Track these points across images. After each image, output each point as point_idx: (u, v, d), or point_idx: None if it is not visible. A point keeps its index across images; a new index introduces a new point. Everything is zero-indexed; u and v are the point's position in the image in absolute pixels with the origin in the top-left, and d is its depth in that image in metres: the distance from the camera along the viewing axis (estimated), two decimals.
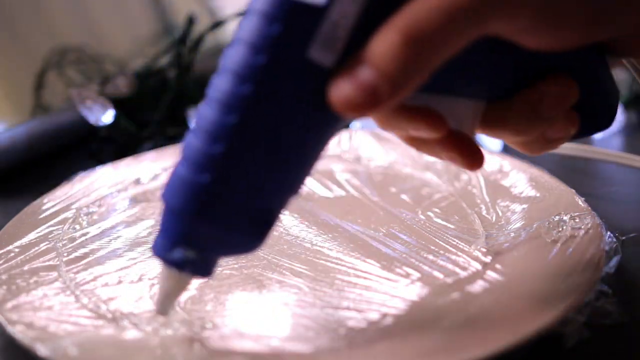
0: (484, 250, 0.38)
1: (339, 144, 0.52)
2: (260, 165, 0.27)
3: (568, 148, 0.49)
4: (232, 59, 0.27)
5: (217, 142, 0.27)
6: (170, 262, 0.29)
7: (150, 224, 0.43)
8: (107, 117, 0.55)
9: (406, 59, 0.25)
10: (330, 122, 0.28)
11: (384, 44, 0.25)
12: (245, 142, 0.26)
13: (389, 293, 0.35)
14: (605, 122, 0.32)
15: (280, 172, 0.28)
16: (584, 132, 0.32)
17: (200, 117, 0.27)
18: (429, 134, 0.30)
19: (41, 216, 0.43)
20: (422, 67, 0.25)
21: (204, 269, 0.29)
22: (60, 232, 0.42)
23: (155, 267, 0.38)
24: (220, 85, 0.27)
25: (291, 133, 0.27)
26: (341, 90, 0.25)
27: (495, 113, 0.31)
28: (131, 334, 0.32)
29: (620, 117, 0.57)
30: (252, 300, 0.35)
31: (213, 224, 0.28)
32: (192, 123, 0.27)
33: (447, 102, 0.30)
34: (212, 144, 0.27)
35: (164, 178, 0.49)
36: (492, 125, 0.31)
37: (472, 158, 0.31)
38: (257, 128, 0.26)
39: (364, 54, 0.25)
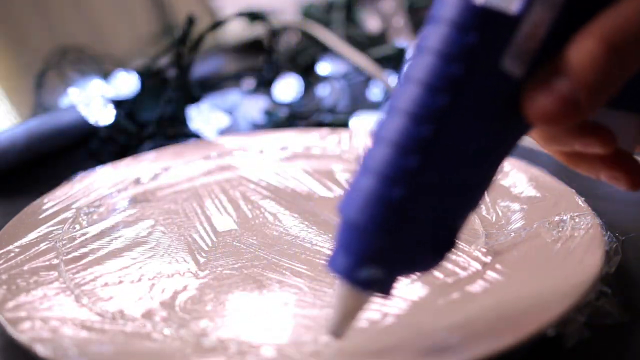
0: (484, 250, 0.38)
1: (339, 144, 0.52)
2: (451, 178, 0.26)
3: None
4: (422, 70, 0.26)
5: (411, 155, 0.26)
6: (355, 281, 0.28)
7: (150, 224, 0.43)
8: (107, 117, 0.55)
9: (607, 68, 0.24)
10: (516, 133, 0.27)
11: (583, 52, 0.24)
12: (439, 154, 0.26)
13: None
14: None
15: (469, 186, 0.27)
16: None
17: (386, 128, 0.26)
18: (599, 150, 0.29)
19: (41, 216, 0.43)
20: (621, 77, 0.25)
21: (387, 287, 0.28)
22: (60, 232, 0.42)
23: (155, 267, 0.38)
24: (409, 96, 0.26)
25: (480, 145, 0.26)
26: (538, 102, 0.25)
27: None
28: (131, 333, 0.32)
29: None
30: (252, 300, 0.35)
31: (403, 242, 0.27)
32: (372, 134, 0.27)
33: (611, 116, 0.29)
34: (405, 157, 0.26)
35: (164, 178, 0.49)
36: None
37: (637, 177, 0.29)
38: (450, 140, 0.26)
39: (560, 63, 0.25)
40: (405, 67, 0.26)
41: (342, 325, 0.29)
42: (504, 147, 0.27)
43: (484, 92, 0.25)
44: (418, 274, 0.30)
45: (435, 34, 0.25)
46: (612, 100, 0.26)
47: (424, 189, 0.26)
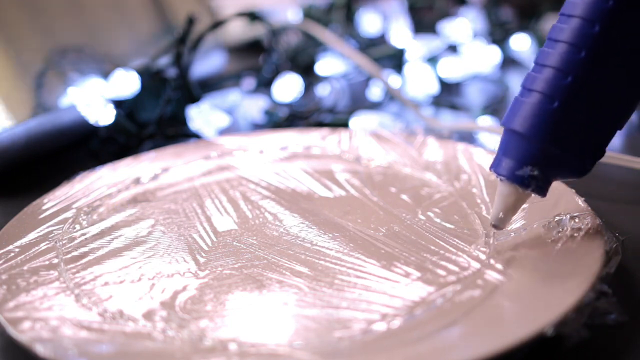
0: (484, 250, 0.38)
1: (339, 144, 0.52)
2: (601, 98, 0.34)
3: None
4: (582, 3, 0.33)
5: (567, 75, 0.33)
6: (517, 180, 0.35)
7: (150, 224, 0.43)
8: (107, 117, 0.55)
9: None
10: None
11: None
12: (591, 75, 0.33)
13: (389, 293, 0.35)
14: None
15: (616, 103, 0.34)
16: None
17: (546, 55, 0.34)
18: None
19: (41, 216, 0.43)
20: None
21: (543, 188, 0.36)
22: (60, 231, 0.42)
23: (155, 266, 0.38)
24: (568, 27, 0.33)
25: (631, 65, 0.33)
26: None
27: None
28: (131, 333, 0.32)
29: None
30: (252, 300, 0.35)
31: (559, 146, 0.34)
32: (535, 57, 0.35)
33: None
34: (562, 78, 0.33)
35: (164, 178, 0.49)
36: None
37: None
38: (603, 64, 0.33)
39: None
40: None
41: (504, 218, 0.37)
42: None
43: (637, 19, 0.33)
44: (571, 178, 0.36)
45: None
46: None
47: (577, 105, 0.34)
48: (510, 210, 0.36)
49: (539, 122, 0.34)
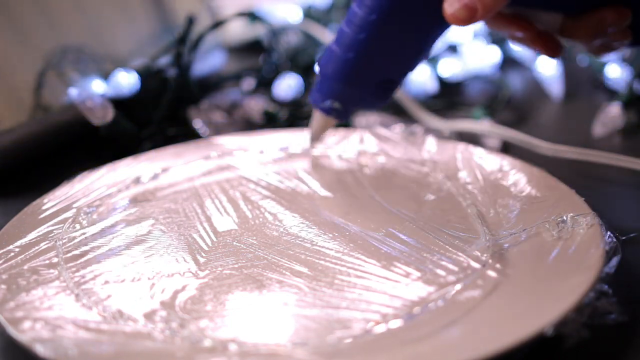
0: (484, 250, 0.38)
1: (339, 144, 0.52)
2: (388, 51, 0.43)
3: (568, 150, 0.49)
4: None
5: (362, 32, 0.42)
6: (322, 109, 0.46)
7: (150, 223, 0.43)
8: (107, 117, 0.55)
9: None
10: (439, 27, 0.42)
11: None
12: (380, 34, 0.42)
13: (389, 293, 0.35)
14: None
15: (401, 55, 0.43)
16: (636, 42, 0.41)
17: (351, 12, 0.42)
18: (521, 34, 0.42)
19: (41, 216, 0.43)
20: None
21: (344, 115, 0.47)
22: (60, 231, 0.42)
23: (155, 266, 0.38)
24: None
25: (412, 32, 0.42)
26: (451, 8, 0.38)
27: (570, 25, 0.40)
28: (131, 333, 0.32)
29: (620, 117, 0.57)
30: (252, 300, 0.35)
31: (353, 87, 0.44)
32: (346, 16, 0.43)
33: (532, 13, 0.42)
34: (358, 33, 0.42)
35: (164, 178, 0.49)
36: (567, 34, 0.41)
37: (552, 50, 0.42)
38: (389, 26, 0.41)
39: None
40: None
41: (315, 136, 0.49)
42: (434, 32, 0.43)
43: None
44: (368, 109, 0.49)
45: None
46: (519, 2, 0.41)
47: (369, 56, 0.43)
48: (320, 130, 0.48)
49: (338, 68, 0.43)
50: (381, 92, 0.45)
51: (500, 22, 0.43)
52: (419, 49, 0.43)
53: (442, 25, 0.42)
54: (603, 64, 0.68)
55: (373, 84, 0.44)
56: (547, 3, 0.41)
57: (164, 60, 0.61)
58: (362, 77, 0.44)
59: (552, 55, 0.43)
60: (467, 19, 0.38)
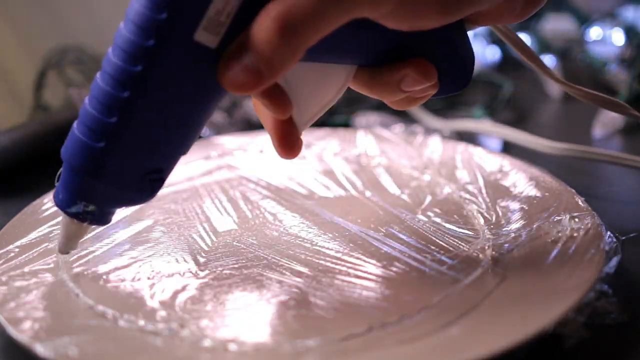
0: (484, 250, 0.38)
1: (339, 144, 0.52)
2: (150, 133, 0.31)
3: (568, 149, 0.49)
4: (124, 39, 0.29)
5: (111, 113, 0.30)
6: (71, 214, 0.33)
7: (150, 224, 0.43)
8: None
9: (281, 44, 0.28)
10: (216, 94, 0.31)
11: (262, 30, 0.28)
12: (137, 114, 0.30)
13: (389, 293, 0.35)
14: (462, 82, 0.35)
15: (169, 138, 0.31)
16: (444, 92, 0.35)
17: (95, 87, 0.31)
18: (274, 114, 0.34)
19: (41, 216, 0.43)
20: (296, 50, 0.28)
21: (102, 219, 0.34)
22: None
23: (155, 266, 0.38)
24: (111, 61, 0.30)
25: (180, 105, 0.30)
26: (229, 72, 0.29)
27: (367, 77, 0.34)
28: (131, 333, 0.32)
29: (620, 117, 0.57)
30: (252, 300, 0.35)
31: (108, 184, 0.32)
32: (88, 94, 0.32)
33: (323, 67, 0.34)
34: (106, 115, 0.30)
35: None
36: (363, 86, 0.35)
37: (287, 150, 0.36)
38: (148, 102, 0.30)
39: (246, 39, 0.29)
40: (118, 28, 0.30)
41: (66, 245, 0.35)
42: (209, 103, 0.31)
43: (181, 60, 0.29)
44: (130, 207, 0.36)
45: (135, 6, 0.29)
46: (311, 58, 0.31)
47: (125, 144, 0.31)
48: (74, 237, 0.35)
49: (84, 158, 0.31)
50: (147, 185, 0.32)
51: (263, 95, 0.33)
52: (197, 120, 0.32)
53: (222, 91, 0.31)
54: (603, 64, 0.68)
55: (136, 176, 0.32)
56: (340, 56, 0.33)
57: None
58: (122, 167, 0.32)
59: (284, 153, 0.36)
60: (251, 85, 0.29)
